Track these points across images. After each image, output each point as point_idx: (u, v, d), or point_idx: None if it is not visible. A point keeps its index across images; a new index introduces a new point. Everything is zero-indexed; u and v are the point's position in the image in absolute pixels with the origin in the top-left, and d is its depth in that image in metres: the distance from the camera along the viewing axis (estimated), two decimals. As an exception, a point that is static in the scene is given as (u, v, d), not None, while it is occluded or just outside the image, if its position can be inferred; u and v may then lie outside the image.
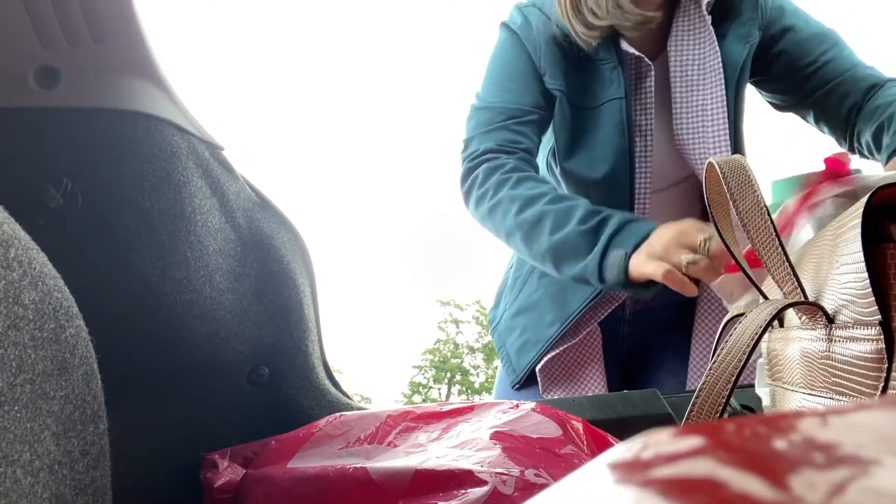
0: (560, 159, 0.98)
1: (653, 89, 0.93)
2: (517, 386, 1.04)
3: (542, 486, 0.42)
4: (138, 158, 0.53)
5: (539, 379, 1.01)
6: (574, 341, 0.99)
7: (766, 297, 0.49)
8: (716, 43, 0.92)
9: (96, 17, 0.50)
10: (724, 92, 0.91)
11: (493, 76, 0.99)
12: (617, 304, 0.99)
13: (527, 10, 0.99)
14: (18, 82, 0.50)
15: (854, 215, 0.29)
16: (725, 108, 0.91)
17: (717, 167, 0.43)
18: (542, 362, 0.99)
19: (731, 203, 0.42)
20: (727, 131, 0.91)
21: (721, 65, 0.91)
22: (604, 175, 0.93)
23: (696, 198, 1.00)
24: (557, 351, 0.99)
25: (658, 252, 0.76)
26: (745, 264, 0.50)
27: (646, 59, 0.93)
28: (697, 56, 0.93)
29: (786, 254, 0.39)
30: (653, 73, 0.93)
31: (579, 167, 0.96)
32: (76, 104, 0.51)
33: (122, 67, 0.53)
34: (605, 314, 0.99)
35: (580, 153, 0.97)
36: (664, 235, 0.77)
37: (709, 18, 0.92)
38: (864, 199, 0.28)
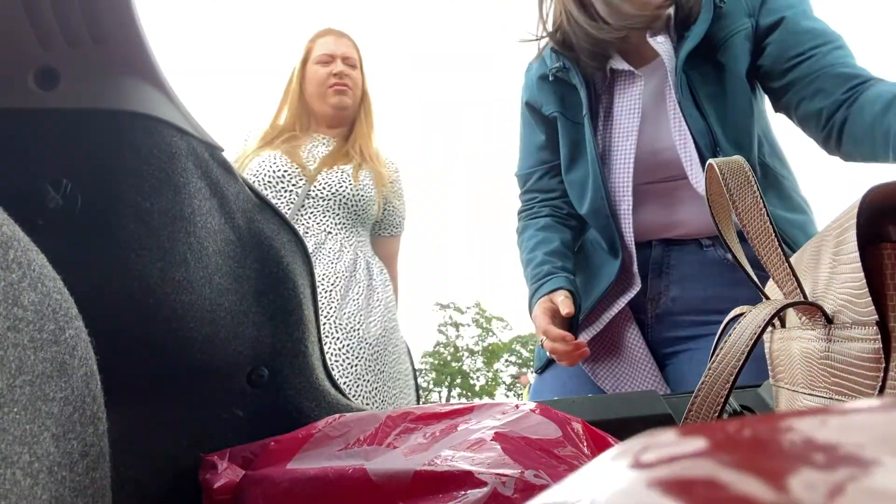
0: (564, 173, 1.14)
1: (605, 103, 1.09)
2: (539, 370, 1.16)
3: (542, 488, 0.42)
4: (138, 159, 0.53)
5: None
6: (596, 328, 1.08)
7: (767, 298, 0.49)
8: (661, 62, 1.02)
9: (96, 18, 0.50)
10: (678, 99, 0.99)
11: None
12: (635, 296, 1.05)
13: (530, 66, 1.19)
14: (18, 83, 0.50)
15: (850, 215, 0.29)
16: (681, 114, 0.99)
17: (716, 168, 0.43)
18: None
19: (730, 204, 0.42)
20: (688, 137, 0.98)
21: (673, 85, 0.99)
22: (584, 181, 1.10)
23: (683, 192, 1.04)
24: (584, 334, 1.09)
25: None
26: (745, 264, 0.50)
27: (596, 76, 1.09)
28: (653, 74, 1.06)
29: (785, 254, 0.39)
30: (606, 86, 1.08)
31: (576, 177, 1.12)
32: (75, 105, 0.51)
33: (121, 68, 0.53)
34: (622, 301, 1.06)
35: (577, 164, 1.12)
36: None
37: (662, 37, 1.02)
38: (858, 199, 0.28)
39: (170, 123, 0.55)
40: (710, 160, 0.45)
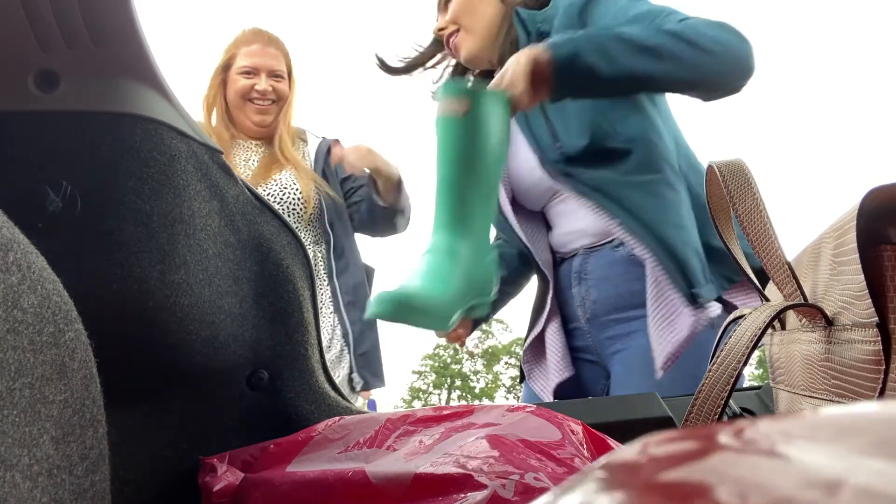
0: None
1: None
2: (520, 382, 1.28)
3: (542, 490, 0.42)
4: (138, 162, 0.53)
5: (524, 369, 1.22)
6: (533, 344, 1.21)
7: (767, 300, 0.49)
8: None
9: (96, 20, 0.50)
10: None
11: None
12: (571, 306, 1.15)
13: None
14: (18, 86, 0.50)
15: (850, 218, 0.29)
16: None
17: (716, 170, 0.43)
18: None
19: (730, 206, 0.42)
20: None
21: None
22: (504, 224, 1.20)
23: (568, 203, 1.10)
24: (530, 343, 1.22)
25: None
26: (745, 265, 0.50)
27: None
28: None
29: (785, 256, 0.39)
30: None
31: (501, 219, 1.21)
32: (75, 107, 0.51)
33: (121, 71, 0.53)
34: (541, 321, 1.18)
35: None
36: None
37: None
38: (858, 202, 0.28)
39: (170, 126, 0.55)
40: (710, 161, 0.45)
